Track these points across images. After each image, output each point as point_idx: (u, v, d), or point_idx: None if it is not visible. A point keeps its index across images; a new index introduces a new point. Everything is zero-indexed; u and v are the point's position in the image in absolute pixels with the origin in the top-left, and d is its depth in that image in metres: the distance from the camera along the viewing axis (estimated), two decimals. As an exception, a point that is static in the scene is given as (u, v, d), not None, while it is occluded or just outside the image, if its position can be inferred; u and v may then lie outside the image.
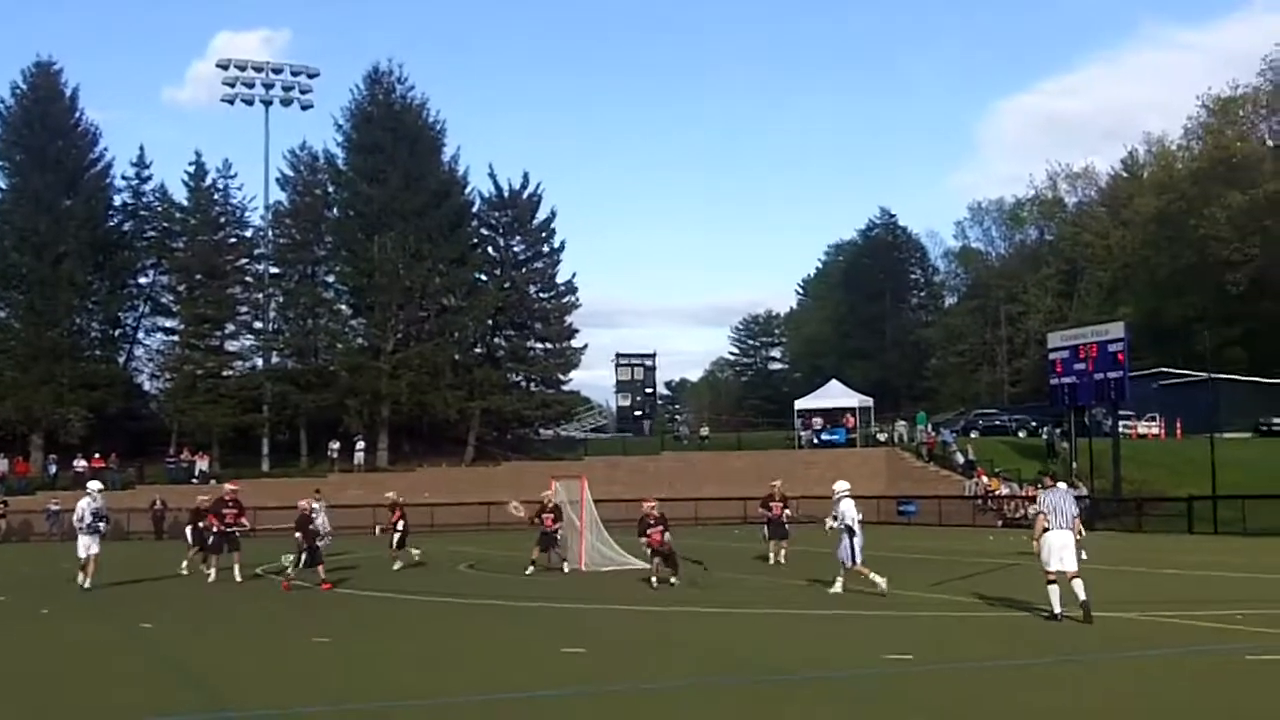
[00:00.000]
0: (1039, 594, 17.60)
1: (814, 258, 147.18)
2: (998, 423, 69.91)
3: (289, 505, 34.66)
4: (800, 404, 71.86)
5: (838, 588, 21.35)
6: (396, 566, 29.43)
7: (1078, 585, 16.98)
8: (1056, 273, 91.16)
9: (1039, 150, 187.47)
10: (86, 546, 24.68)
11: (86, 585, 24.28)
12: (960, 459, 58.60)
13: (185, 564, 29.32)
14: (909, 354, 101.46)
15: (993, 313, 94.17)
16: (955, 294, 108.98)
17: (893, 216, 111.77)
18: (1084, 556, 23.53)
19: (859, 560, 21.45)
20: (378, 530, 32.94)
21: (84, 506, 25.30)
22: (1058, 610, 17.07)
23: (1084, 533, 19.56)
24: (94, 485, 26.80)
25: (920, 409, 74.17)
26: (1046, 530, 17.31)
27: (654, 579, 23.93)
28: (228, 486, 30.95)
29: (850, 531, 21.57)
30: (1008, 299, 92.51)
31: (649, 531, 24.28)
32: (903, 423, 68.99)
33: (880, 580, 20.97)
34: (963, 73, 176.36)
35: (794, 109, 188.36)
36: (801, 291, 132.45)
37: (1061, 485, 19.75)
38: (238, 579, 26.67)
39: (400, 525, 30.32)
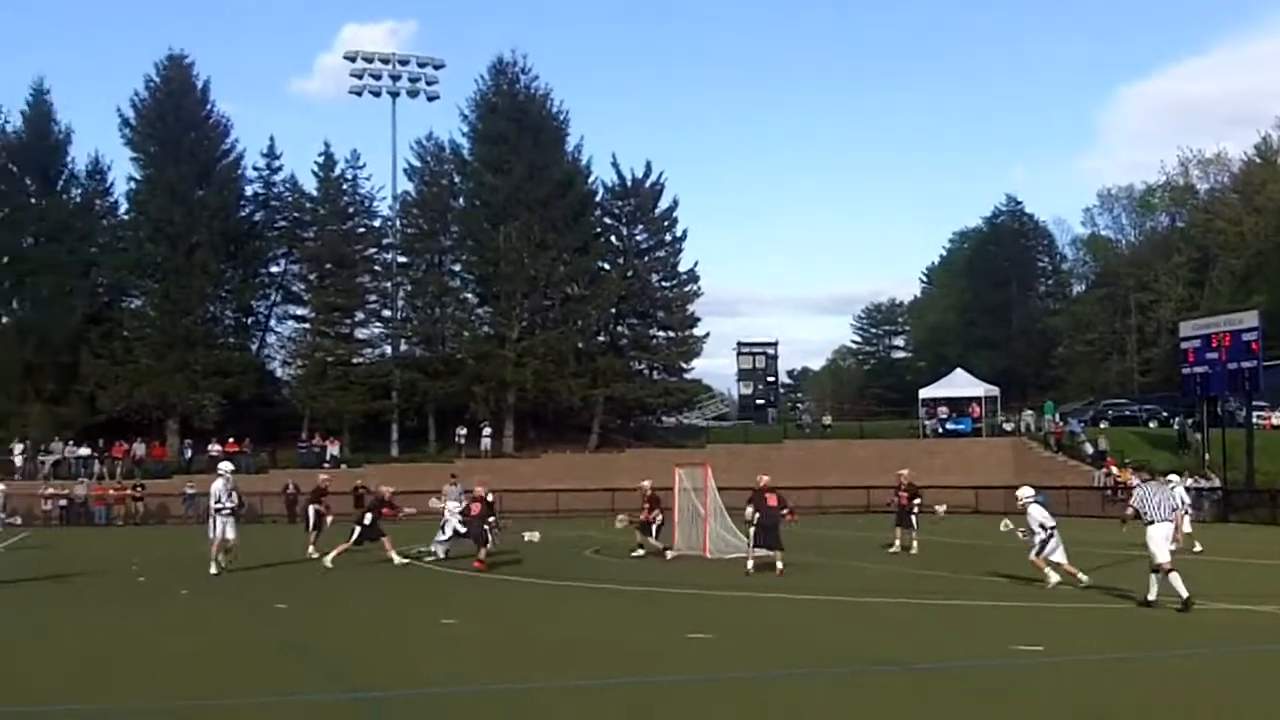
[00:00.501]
0: (1166, 586, 17.49)
1: (938, 245, 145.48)
2: (1128, 413, 68.62)
3: (419, 490, 35.43)
4: (925, 393, 71.20)
5: (1055, 580, 20.70)
6: (638, 554, 29.40)
7: (1175, 579, 17.31)
8: (1188, 260, 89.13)
9: (1165, 136, 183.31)
10: (222, 530, 24.90)
11: (224, 565, 24.61)
12: (1089, 449, 57.70)
13: (311, 548, 29.74)
14: (1035, 343, 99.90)
15: (1122, 301, 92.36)
16: (1083, 282, 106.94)
17: (1019, 204, 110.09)
18: (1198, 548, 23.18)
19: (1049, 554, 20.95)
20: (619, 521, 32.54)
21: (219, 489, 25.47)
22: (1185, 594, 17.22)
23: (1191, 528, 19.54)
24: (225, 467, 27.08)
25: (1047, 398, 73.00)
26: (1151, 524, 17.87)
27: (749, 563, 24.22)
28: (384, 488, 30.34)
29: (1045, 531, 21.04)
30: (1138, 287, 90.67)
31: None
32: (1030, 412, 68.00)
33: (1054, 577, 20.58)
34: (1088, 58, 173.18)
35: (919, 95, 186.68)
36: (926, 280, 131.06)
37: (1174, 477, 19.75)
38: (398, 561, 27.05)
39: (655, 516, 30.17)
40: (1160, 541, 17.80)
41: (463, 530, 27.79)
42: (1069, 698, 11.49)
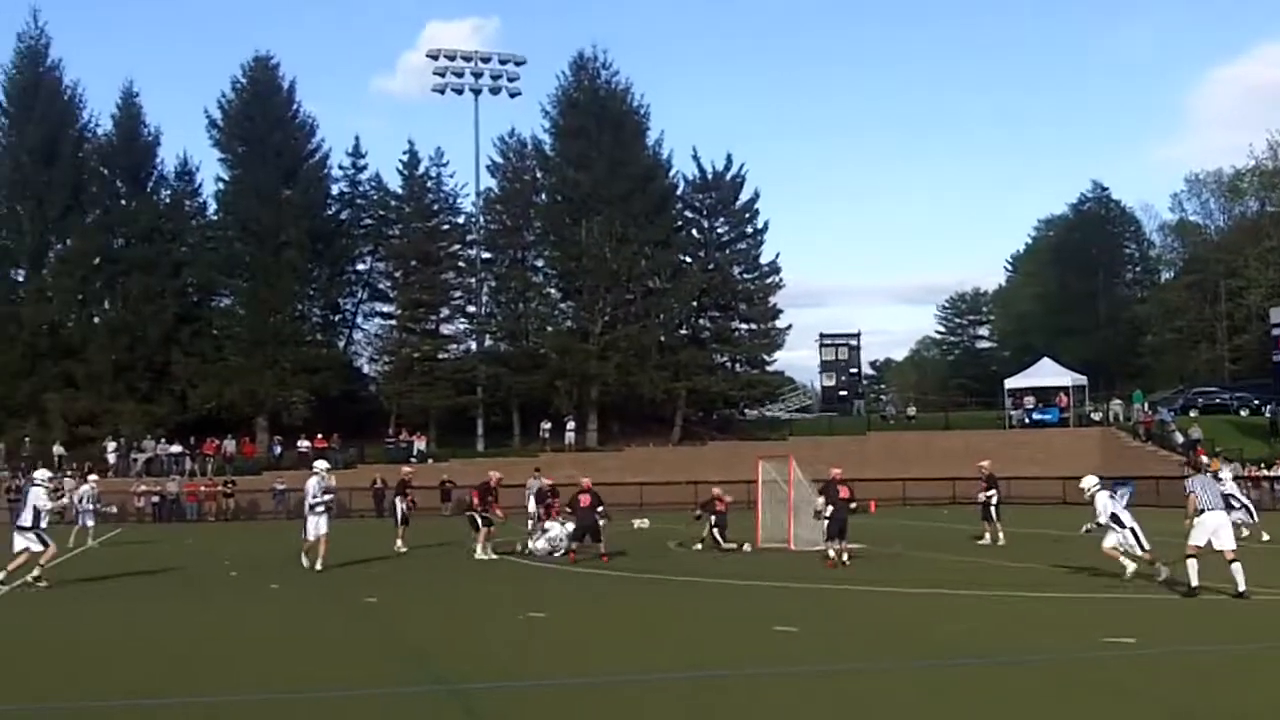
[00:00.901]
0: (1264, 577, 17.43)
1: (1024, 233, 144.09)
2: (1218, 401, 67.66)
3: (505, 485, 35.65)
4: (1010, 383, 70.59)
5: (1131, 570, 20.40)
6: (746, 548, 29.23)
7: (1236, 569, 17.72)
8: (1278, 245, 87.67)
9: (1255, 119, 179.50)
10: (315, 527, 24.94)
11: (317, 567, 24.54)
12: (1179, 438, 56.98)
13: (400, 542, 30.05)
14: (1123, 331, 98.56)
15: (1211, 288, 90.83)
16: (1171, 269, 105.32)
17: (1105, 190, 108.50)
18: (1266, 538, 22.87)
19: (1143, 546, 20.63)
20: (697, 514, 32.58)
21: (314, 486, 25.57)
22: (1194, 583, 17.92)
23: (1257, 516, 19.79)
24: (321, 464, 27.20)
25: (1136, 387, 72.17)
26: (1201, 512, 18.23)
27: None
28: (493, 474, 30.47)
29: (1118, 522, 20.84)
30: (1227, 273, 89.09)
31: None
32: (1118, 401, 67.26)
33: (1130, 565, 20.32)
34: (1176, 40, 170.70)
35: (1004, 81, 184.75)
36: (1010, 268, 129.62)
37: (1227, 473, 20.05)
38: (484, 557, 27.27)
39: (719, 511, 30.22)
40: (1214, 528, 18.23)
41: (555, 527, 28.14)
42: (1162, 691, 11.42)
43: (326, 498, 25.52)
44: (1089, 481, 21.82)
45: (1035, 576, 21.36)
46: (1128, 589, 19.31)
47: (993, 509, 30.34)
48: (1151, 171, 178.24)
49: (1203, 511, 18.19)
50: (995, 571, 22.84)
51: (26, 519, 22.36)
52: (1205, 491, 18.55)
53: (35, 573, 22.11)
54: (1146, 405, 64.92)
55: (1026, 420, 65.97)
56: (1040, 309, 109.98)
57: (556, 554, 27.51)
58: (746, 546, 28.74)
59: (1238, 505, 27.18)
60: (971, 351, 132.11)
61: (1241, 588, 17.35)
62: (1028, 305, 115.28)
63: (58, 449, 58.96)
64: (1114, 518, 20.91)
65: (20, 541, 22.15)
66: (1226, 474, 29.33)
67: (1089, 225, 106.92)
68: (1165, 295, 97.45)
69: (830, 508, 24.67)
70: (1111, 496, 21.38)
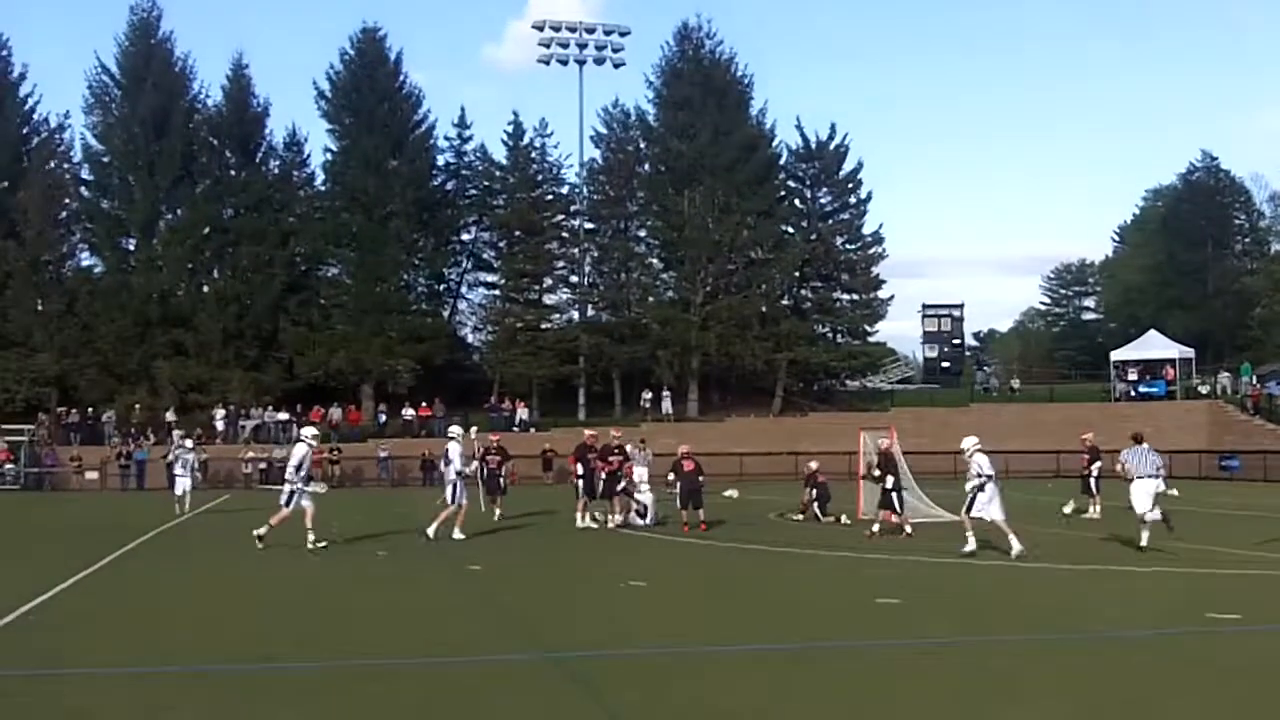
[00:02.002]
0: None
1: (1131, 203, 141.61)
2: (1328, 374, 66.47)
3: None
4: (1116, 355, 69.84)
5: (971, 545, 20.57)
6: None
7: (1145, 530, 20.95)
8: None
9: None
10: (456, 494, 24.36)
11: (456, 535, 24.08)
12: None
13: (497, 513, 29.78)
14: (1232, 303, 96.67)
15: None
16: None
17: (1215, 159, 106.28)
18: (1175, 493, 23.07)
19: (980, 510, 20.64)
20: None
21: (455, 451, 25.01)
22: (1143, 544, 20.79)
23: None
24: (455, 430, 26.71)
25: (1244, 360, 71.02)
26: (1132, 480, 21.36)
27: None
28: (613, 432, 30.26)
29: (980, 487, 20.65)
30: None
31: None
32: (1226, 374, 66.26)
33: (1017, 545, 20.04)
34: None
35: (1108, 51, 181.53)
36: (1118, 239, 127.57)
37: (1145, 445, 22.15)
38: (584, 525, 27.36)
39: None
40: (1143, 496, 21.19)
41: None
42: (1275, 670, 11.28)
43: (467, 469, 25.39)
44: (969, 442, 21.64)
45: (1137, 551, 21.11)
46: (1226, 565, 19.14)
47: (1094, 482, 30.10)
48: (1262, 141, 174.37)
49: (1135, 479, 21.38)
50: (1095, 545, 22.57)
51: (298, 477, 23.07)
52: (1135, 462, 21.52)
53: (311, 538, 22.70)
54: (1255, 379, 63.90)
55: (1133, 393, 65.23)
56: (1148, 280, 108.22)
57: (650, 522, 27.69)
58: (845, 518, 28.80)
59: None
60: (1077, 323, 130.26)
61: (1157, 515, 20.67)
62: (1135, 276, 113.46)
63: (169, 415, 60.36)
64: (979, 481, 20.72)
65: (303, 501, 22.98)
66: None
67: (1198, 195, 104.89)
68: (1275, 267, 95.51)
69: (889, 476, 25.25)
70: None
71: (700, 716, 9.33)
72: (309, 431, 24.91)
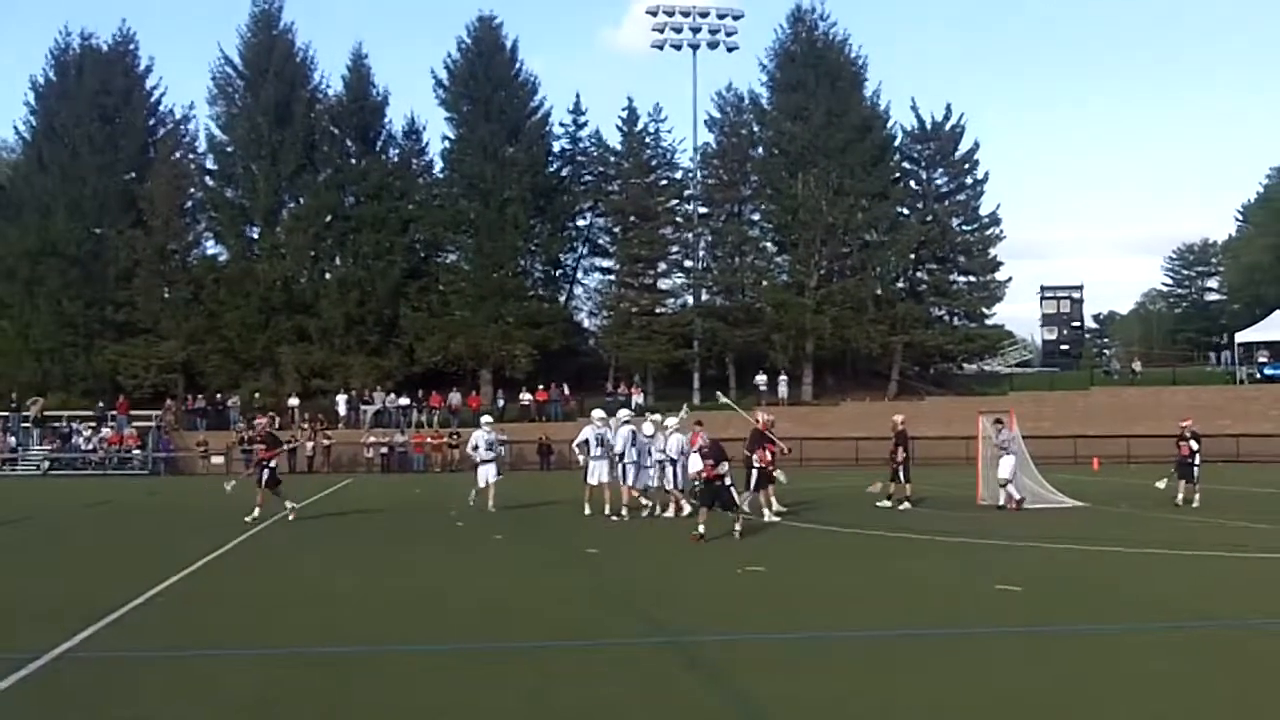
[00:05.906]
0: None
1: (1256, 181, 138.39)
2: None
3: (722, 438, 36.00)
4: (1242, 336, 68.50)
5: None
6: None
7: (1003, 492, 25.79)
8: None
9: None
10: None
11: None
12: None
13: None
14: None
15: None
16: None
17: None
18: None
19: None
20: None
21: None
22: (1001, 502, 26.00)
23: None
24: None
25: (1374, 342, 69.30)
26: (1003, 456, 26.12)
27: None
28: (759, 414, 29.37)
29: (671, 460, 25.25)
30: None
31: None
32: (1354, 356, 64.78)
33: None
34: None
35: (1231, 27, 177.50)
36: (1242, 218, 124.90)
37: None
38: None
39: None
40: (1009, 467, 26.56)
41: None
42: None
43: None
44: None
45: (1260, 537, 20.82)
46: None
47: (1195, 469, 29.51)
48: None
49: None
50: (1220, 531, 22.28)
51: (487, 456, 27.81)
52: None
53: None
54: (1386, 360, 62.38)
55: (1259, 375, 64.00)
56: (1273, 260, 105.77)
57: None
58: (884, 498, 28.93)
59: None
60: (1200, 304, 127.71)
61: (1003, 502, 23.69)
62: (1260, 256, 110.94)
63: (292, 400, 61.66)
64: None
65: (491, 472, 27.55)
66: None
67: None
68: None
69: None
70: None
71: (820, 702, 9.36)
72: (486, 419, 30.01)
